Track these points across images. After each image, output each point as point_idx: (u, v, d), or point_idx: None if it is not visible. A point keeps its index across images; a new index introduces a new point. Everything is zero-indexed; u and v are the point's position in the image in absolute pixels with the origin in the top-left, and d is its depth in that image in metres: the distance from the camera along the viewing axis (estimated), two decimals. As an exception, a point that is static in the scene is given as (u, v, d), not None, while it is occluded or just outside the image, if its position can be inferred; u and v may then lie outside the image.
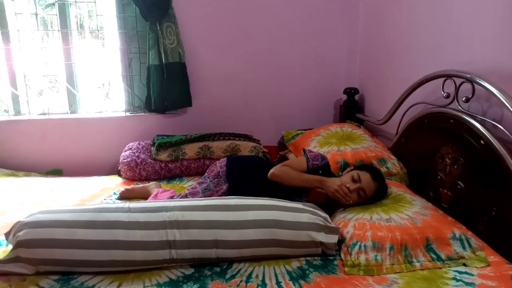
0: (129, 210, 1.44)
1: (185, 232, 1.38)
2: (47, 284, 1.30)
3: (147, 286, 1.30)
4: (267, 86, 2.63)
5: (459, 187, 1.74)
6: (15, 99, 2.47)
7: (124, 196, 2.02)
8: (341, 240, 1.52)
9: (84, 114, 2.54)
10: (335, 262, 1.46)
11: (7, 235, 1.41)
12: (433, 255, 1.44)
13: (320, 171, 1.81)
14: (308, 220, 1.47)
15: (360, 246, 1.44)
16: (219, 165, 1.97)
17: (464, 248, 1.46)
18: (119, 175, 2.35)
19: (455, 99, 1.77)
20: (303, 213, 1.50)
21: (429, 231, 1.50)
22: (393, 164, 2.11)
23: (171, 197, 1.92)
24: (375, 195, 1.71)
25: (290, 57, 2.66)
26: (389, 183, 1.94)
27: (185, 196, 1.86)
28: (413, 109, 2.11)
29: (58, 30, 2.41)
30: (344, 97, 2.65)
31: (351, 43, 2.70)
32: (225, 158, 2.05)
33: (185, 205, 1.48)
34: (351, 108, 2.63)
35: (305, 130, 2.53)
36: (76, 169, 2.46)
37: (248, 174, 1.89)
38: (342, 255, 1.48)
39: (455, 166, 1.77)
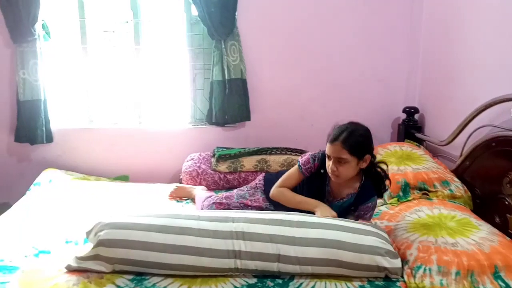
0: (198, 218, 1.52)
1: (249, 244, 1.43)
2: (122, 283, 1.40)
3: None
4: (324, 103, 2.66)
5: (529, 214, 1.67)
6: (90, 109, 2.68)
7: (175, 192, 2.22)
8: (404, 262, 1.50)
9: (150, 125, 2.70)
10: (398, 284, 1.45)
11: (88, 233, 1.54)
12: (501, 283, 1.39)
13: (322, 170, 1.69)
14: (372, 243, 1.46)
15: (424, 270, 1.42)
16: (258, 179, 2.01)
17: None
18: (181, 183, 2.45)
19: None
20: (367, 235, 1.49)
21: (498, 258, 1.44)
22: (456, 187, 2.05)
23: (209, 197, 1.98)
24: (355, 154, 1.56)
25: (348, 74, 2.67)
26: (453, 206, 1.89)
27: (222, 198, 1.91)
28: (478, 131, 2.04)
29: (132, 47, 2.61)
30: (403, 116, 2.61)
31: (411, 61, 2.66)
32: (263, 174, 2.06)
33: (251, 217, 1.53)
34: (410, 128, 2.58)
35: None
36: (140, 176, 2.61)
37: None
38: (405, 277, 1.46)
39: (525, 192, 1.70)
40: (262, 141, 2.56)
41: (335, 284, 1.43)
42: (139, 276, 1.44)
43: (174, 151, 2.62)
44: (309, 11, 2.58)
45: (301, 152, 2.46)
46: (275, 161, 2.43)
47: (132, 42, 2.59)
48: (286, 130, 2.68)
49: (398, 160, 2.27)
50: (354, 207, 1.72)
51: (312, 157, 1.75)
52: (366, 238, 1.47)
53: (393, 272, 1.45)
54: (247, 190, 1.96)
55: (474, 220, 1.75)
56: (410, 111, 2.56)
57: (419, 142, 2.50)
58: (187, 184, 2.40)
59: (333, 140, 1.58)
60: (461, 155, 2.18)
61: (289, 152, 2.47)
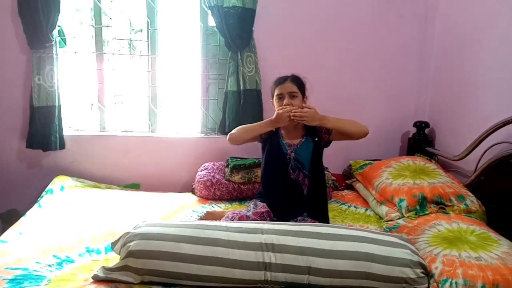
0: (227, 229, 1.50)
1: (280, 256, 1.42)
2: (151, 294, 1.38)
3: (244, 303, 1.36)
4: (336, 116, 2.68)
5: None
6: (102, 115, 2.66)
7: (207, 218, 2.06)
8: (430, 275, 1.51)
9: (163, 133, 2.69)
10: None
11: (114, 244, 1.52)
12: None
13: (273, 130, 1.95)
14: (402, 255, 1.47)
15: (451, 283, 1.43)
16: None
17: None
18: (193, 192, 2.45)
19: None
20: (397, 247, 1.50)
21: None
22: (472, 201, 2.09)
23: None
24: (300, 87, 1.91)
25: (361, 88, 2.73)
26: (470, 220, 1.92)
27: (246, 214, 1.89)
28: (492, 148, 2.10)
29: (148, 56, 2.61)
30: (413, 130, 2.67)
31: (422, 76, 2.73)
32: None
33: (279, 229, 1.52)
34: (420, 142, 2.63)
35: (373, 160, 2.57)
36: (151, 184, 2.59)
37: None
38: None
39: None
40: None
41: (362, 297, 1.44)
42: (168, 287, 1.42)
43: (185, 160, 2.62)
44: (324, 26, 2.64)
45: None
46: (289, 172, 2.43)
47: (148, 50, 2.59)
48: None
49: (413, 174, 2.30)
50: (318, 138, 1.95)
51: None
52: (396, 250, 1.49)
53: (421, 283, 1.45)
54: (252, 207, 1.96)
55: (493, 234, 1.77)
56: (421, 125, 2.62)
57: (430, 156, 2.54)
58: (201, 194, 2.40)
59: (283, 80, 1.92)
60: (475, 170, 2.23)
61: (303, 164, 2.47)
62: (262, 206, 1.93)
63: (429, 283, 1.49)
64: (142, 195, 2.38)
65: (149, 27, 2.56)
